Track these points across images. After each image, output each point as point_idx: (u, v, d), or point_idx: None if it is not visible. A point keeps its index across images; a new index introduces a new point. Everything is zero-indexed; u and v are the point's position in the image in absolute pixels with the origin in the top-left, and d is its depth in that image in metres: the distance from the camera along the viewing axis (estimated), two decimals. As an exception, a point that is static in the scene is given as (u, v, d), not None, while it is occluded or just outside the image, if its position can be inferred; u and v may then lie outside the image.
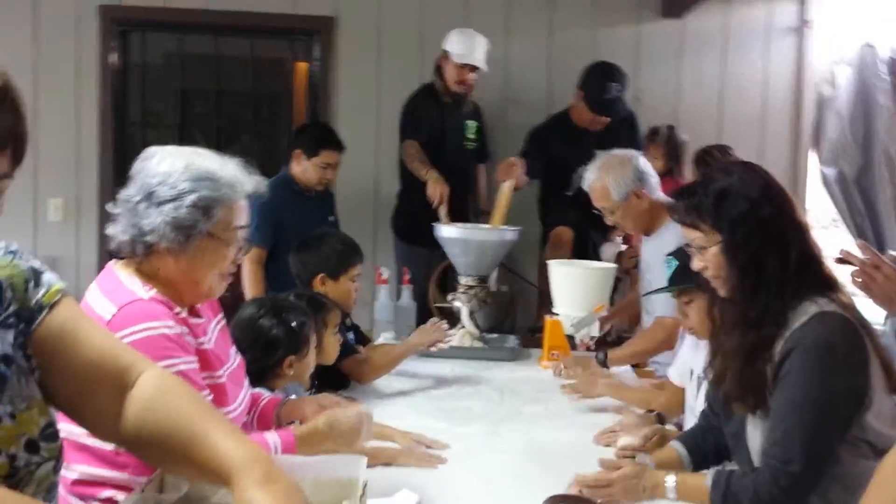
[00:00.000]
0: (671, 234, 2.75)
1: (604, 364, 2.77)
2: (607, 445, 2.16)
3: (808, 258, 1.64)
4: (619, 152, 2.94)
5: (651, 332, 2.78)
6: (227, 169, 1.63)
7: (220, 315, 1.83)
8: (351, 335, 2.73)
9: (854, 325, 1.58)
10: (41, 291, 1.11)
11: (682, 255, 2.13)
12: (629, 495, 1.67)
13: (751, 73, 4.41)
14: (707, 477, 1.63)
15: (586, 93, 3.86)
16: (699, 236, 1.70)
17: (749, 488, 1.58)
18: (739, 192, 1.64)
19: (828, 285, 1.64)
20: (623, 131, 3.92)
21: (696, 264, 1.73)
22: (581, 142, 3.82)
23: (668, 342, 2.56)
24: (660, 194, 2.88)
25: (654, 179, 2.87)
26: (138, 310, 1.54)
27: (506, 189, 3.44)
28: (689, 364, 2.27)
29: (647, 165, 2.89)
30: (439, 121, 3.89)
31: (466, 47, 3.80)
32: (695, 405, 2.20)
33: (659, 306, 2.75)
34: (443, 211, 3.39)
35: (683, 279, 2.10)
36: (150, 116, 4.74)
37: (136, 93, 4.65)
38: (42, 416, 1.05)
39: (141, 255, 1.60)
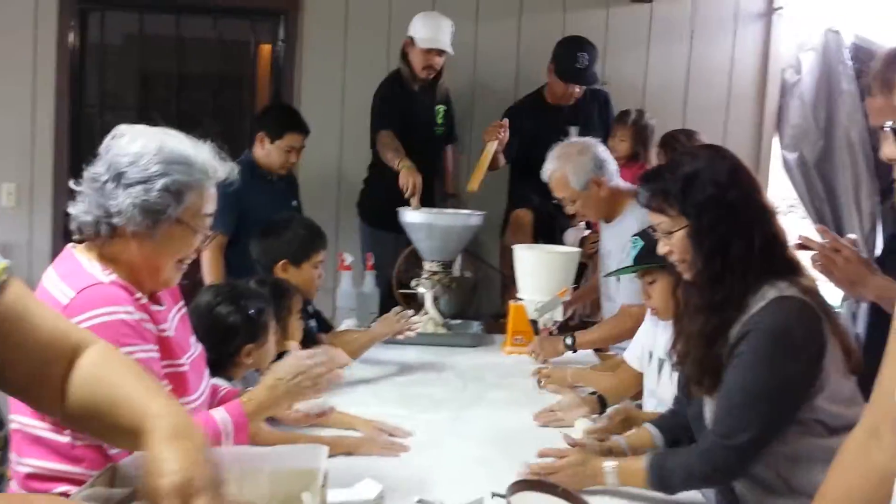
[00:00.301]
0: (631, 221, 2.76)
1: (571, 348, 2.77)
2: (544, 426, 2.19)
3: (773, 242, 1.64)
4: (576, 141, 2.95)
5: (618, 319, 2.78)
6: (200, 153, 1.58)
7: (181, 303, 1.79)
8: (313, 322, 2.69)
9: (812, 310, 1.59)
10: None
11: (647, 235, 2.14)
12: (575, 482, 1.67)
13: (717, 59, 4.42)
14: (644, 459, 1.65)
15: (557, 64, 3.89)
16: (665, 220, 1.70)
17: (683, 465, 1.61)
18: (706, 177, 1.64)
19: (791, 269, 1.64)
20: (596, 108, 3.94)
21: (662, 248, 1.73)
22: (555, 119, 3.88)
23: (634, 330, 2.57)
24: (619, 181, 2.88)
25: (613, 166, 2.87)
26: (97, 294, 1.49)
27: (490, 149, 3.43)
28: (646, 347, 2.28)
29: (605, 153, 2.88)
30: (408, 108, 3.84)
31: (431, 31, 3.75)
32: (655, 388, 2.21)
33: (623, 294, 2.75)
34: (414, 201, 3.35)
35: (649, 259, 2.10)
36: (109, 99, 4.62)
37: (95, 75, 4.54)
38: None
39: (104, 237, 1.54)
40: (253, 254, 2.70)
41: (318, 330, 2.71)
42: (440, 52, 3.78)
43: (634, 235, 2.24)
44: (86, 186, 1.54)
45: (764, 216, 1.66)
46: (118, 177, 1.51)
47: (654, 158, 3.73)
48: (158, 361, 1.55)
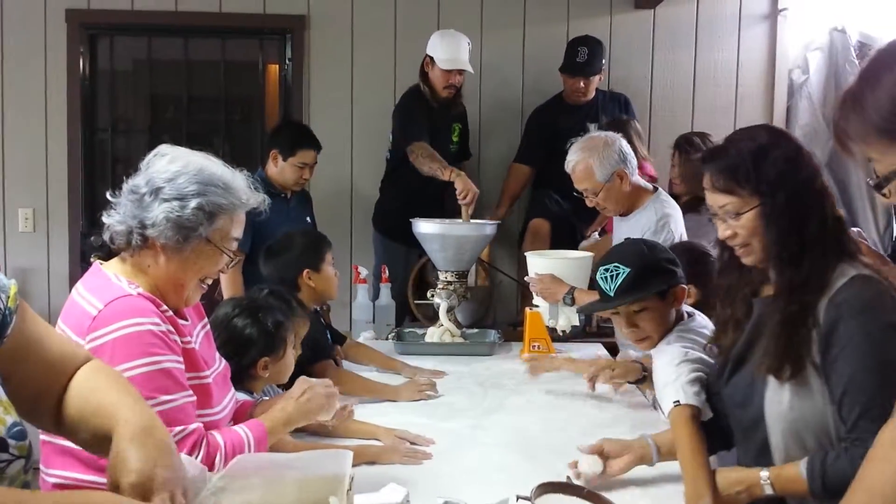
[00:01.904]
0: (650, 214, 2.76)
1: (571, 304, 2.82)
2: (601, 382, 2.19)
3: (838, 223, 1.58)
4: (601, 133, 2.94)
5: None
6: (236, 180, 1.64)
7: (205, 320, 1.83)
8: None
9: (888, 287, 1.52)
10: (3, 295, 1.10)
11: (631, 258, 2.00)
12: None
13: (724, 61, 4.43)
14: (801, 466, 1.52)
15: (563, 64, 3.99)
16: (733, 201, 1.59)
17: (848, 469, 1.40)
18: (777, 153, 1.56)
19: (855, 251, 1.57)
20: (617, 109, 4.00)
21: (724, 232, 1.63)
22: (576, 118, 3.99)
23: None
24: (638, 178, 2.88)
25: (634, 161, 2.88)
26: (125, 305, 1.53)
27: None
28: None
29: (628, 147, 2.89)
30: (428, 124, 3.87)
31: (451, 52, 3.78)
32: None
33: None
34: (466, 211, 3.34)
35: (639, 288, 1.96)
36: (120, 123, 4.66)
37: (105, 100, 4.58)
38: (7, 415, 1.04)
39: (135, 247, 1.59)
40: (267, 274, 2.69)
41: (332, 340, 2.73)
42: (461, 71, 3.82)
43: (608, 264, 2.02)
44: (124, 198, 1.60)
45: (829, 197, 1.58)
46: (156, 191, 1.57)
47: (648, 165, 3.72)
48: (184, 372, 1.57)
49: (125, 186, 1.61)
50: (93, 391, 1.16)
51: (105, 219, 1.60)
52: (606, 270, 2.00)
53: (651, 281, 1.98)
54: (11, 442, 1.02)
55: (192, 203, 1.56)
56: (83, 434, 1.15)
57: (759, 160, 1.55)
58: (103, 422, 1.10)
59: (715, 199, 1.62)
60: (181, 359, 1.57)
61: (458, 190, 3.34)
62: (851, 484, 1.19)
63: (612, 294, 1.98)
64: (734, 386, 1.68)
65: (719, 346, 1.75)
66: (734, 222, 1.61)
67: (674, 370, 1.77)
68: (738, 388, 1.66)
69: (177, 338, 1.59)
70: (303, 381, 1.76)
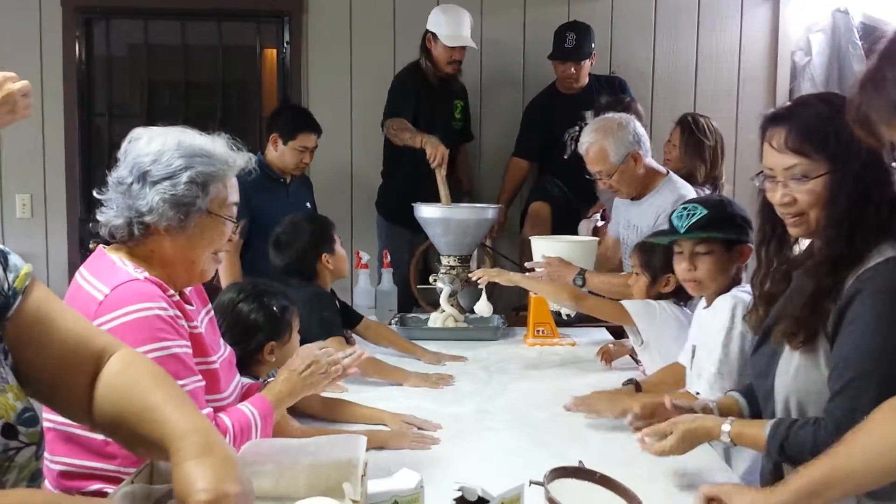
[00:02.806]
0: (666, 195, 2.74)
1: (582, 286, 2.79)
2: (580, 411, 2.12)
3: (895, 202, 1.51)
4: (615, 115, 2.90)
5: (624, 282, 2.68)
6: (217, 145, 1.61)
7: (209, 306, 1.80)
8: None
9: None
10: (11, 276, 1.08)
11: (712, 203, 2.11)
12: (687, 443, 1.62)
13: (726, 43, 4.39)
14: (765, 427, 1.53)
15: (552, 51, 3.97)
16: (803, 163, 1.51)
17: (808, 440, 1.46)
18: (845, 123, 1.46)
19: None
20: (612, 92, 3.94)
21: (782, 197, 1.55)
22: (570, 105, 3.97)
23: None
24: (651, 160, 2.86)
25: (648, 143, 2.85)
26: (132, 290, 1.50)
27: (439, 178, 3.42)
28: (691, 340, 2.22)
29: (642, 129, 2.86)
30: (428, 100, 3.85)
31: (453, 27, 3.75)
32: (691, 375, 2.16)
33: None
34: (440, 172, 3.36)
35: (712, 229, 2.04)
36: (116, 108, 4.62)
37: (102, 85, 4.54)
38: (18, 401, 1.02)
39: (138, 237, 1.56)
40: (285, 265, 2.67)
41: (348, 320, 2.76)
42: (463, 46, 3.78)
43: (688, 202, 2.14)
44: (112, 192, 1.57)
45: (891, 175, 1.51)
46: (143, 176, 1.54)
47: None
48: (192, 357, 1.55)
49: (110, 180, 1.57)
50: (132, 389, 1.10)
51: (99, 216, 1.57)
52: (685, 209, 2.09)
53: (725, 227, 2.06)
54: (21, 429, 1.00)
55: (183, 178, 1.53)
56: (124, 434, 1.11)
57: (838, 126, 1.45)
58: (151, 428, 1.05)
59: (780, 161, 1.54)
60: (189, 343, 1.55)
61: (427, 154, 3.40)
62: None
63: (683, 231, 2.06)
64: (759, 355, 1.67)
65: (751, 321, 1.73)
66: (798, 186, 1.53)
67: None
68: (762, 358, 1.65)
69: (184, 322, 1.57)
70: (304, 351, 1.74)
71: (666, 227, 2.23)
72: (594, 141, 2.81)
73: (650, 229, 2.67)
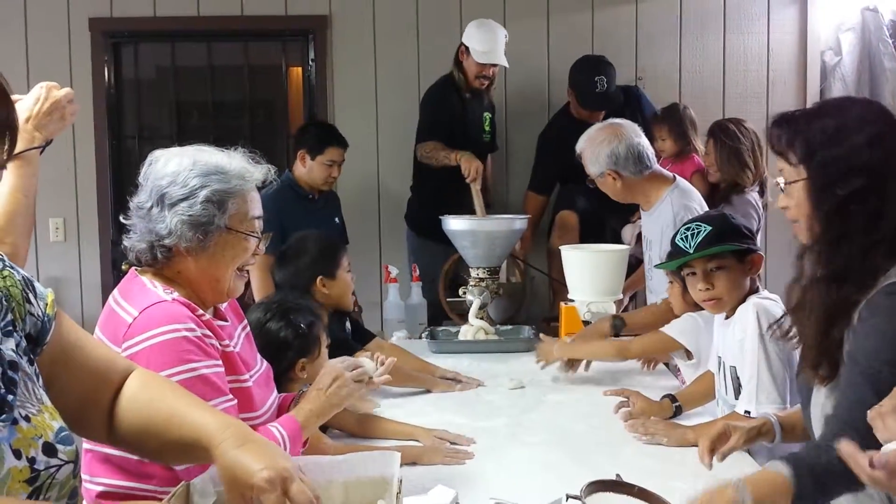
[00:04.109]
0: (665, 212, 2.70)
1: (620, 331, 2.68)
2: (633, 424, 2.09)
3: None
4: (610, 128, 2.82)
5: (663, 310, 2.59)
6: (234, 161, 1.61)
7: (245, 321, 1.81)
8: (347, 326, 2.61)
9: None
10: (42, 303, 1.11)
11: (716, 218, 2.08)
12: None
13: (753, 45, 4.33)
14: (783, 467, 1.38)
15: (577, 92, 3.89)
16: (786, 168, 1.51)
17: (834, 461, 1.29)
18: (843, 131, 1.44)
19: None
20: (628, 109, 3.88)
21: (781, 202, 1.55)
22: (588, 123, 3.81)
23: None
24: (657, 167, 2.81)
25: (644, 161, 2.74)
26: (160, 312, 1.51)
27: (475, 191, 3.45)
28: (716, 351, 2.18)
29: (635, 148, 2.74)
30: (461, 113, 3.85)
31: (488, 44, 3.74)
32: (724, 394, 2.11)
33: (665, 287, 2.65)
34: (475, 188, 3.38)
35: (723, 241, 2.01)
36: (146, 130, 4.68)
37: (131, 108, 4.60)
38: (54, 420, 1.04)
39: (162, 260, 1.58)
40: (281, 281, 2.55)
41: (352, 338, 2.60)
42: (495, 64, 3.78)
43: (692, 221, 2.10)
44: (134, 217, 1.59)
45: None
46: (161, 199, 1.56)
47: (702, 147, 3.67)
48: (224, 376, 1.55)
49: (131, 205, 1.60)
50: (156, 399, 1.16)
51: (125, 241, 1.60)
52: (688, 229, 2.06)
53: (733, 238, 2.03)
54: (60, 447, 1.02)
55: (199, 198, 1.54)
56: (150, 443, 1.16)
57: (817, 134, 1.43)
58: (182, 431, 1.11)
59: (778, 163, 1.55)
60: (220, 362, 1.55)
61: (462, 168, 3.42)
62: None
63: (692, 251, 2.03)
64: (800, 380, 1.63)
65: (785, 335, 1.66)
66: (786, 193, 1.52)
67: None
68: (802, 387, 1.61)
69: (215, 342, 1.56)
70: (329, 367, 1.73)
71: (669, 248, 2.18)
72: (582, 148, 2.83)
73: (658, 243, 2.66)
